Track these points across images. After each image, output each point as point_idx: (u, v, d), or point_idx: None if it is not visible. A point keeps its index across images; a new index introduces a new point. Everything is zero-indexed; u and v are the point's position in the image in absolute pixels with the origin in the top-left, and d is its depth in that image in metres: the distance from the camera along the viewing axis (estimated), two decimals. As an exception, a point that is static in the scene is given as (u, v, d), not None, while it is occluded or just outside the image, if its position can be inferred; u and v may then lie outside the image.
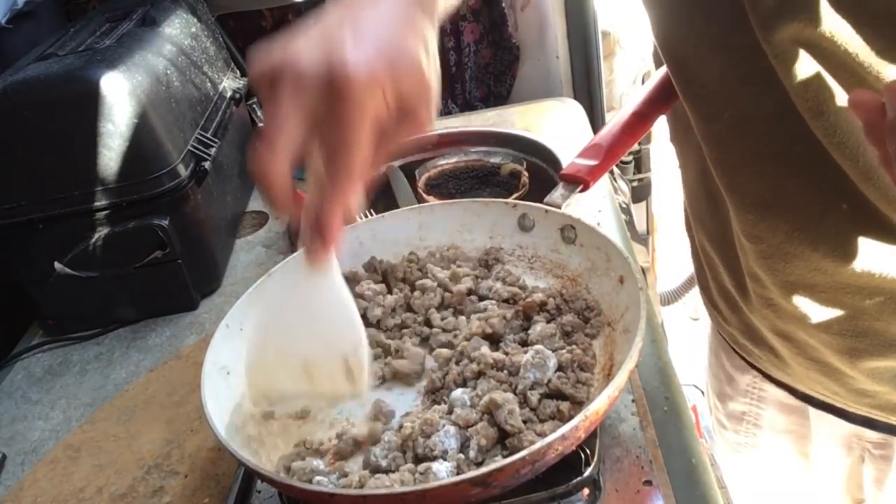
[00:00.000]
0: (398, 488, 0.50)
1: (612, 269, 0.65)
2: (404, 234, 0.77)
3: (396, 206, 0.83)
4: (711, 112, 0.58)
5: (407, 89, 0.44)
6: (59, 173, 0.82)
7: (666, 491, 0.55)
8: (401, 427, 0.56)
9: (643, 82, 1.48)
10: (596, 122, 1.41)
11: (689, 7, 0.55)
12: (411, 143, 0.47)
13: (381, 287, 0.72)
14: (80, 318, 0.92)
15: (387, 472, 0.53)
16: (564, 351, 0.60)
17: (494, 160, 1.08)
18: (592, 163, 0.74)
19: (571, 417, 0.49)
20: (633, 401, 0.63)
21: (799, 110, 0.50)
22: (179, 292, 0.92)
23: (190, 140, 0.91)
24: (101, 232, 0.85)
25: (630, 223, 1.18)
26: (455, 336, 0.66)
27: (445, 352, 0.64)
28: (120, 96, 0.80)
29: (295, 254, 0.71)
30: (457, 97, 1.45)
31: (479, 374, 0.60)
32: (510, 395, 0.56)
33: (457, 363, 0.63)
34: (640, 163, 1.56)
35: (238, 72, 1.21)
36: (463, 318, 0.69)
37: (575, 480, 0.54)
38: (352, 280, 0.72)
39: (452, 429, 0.55)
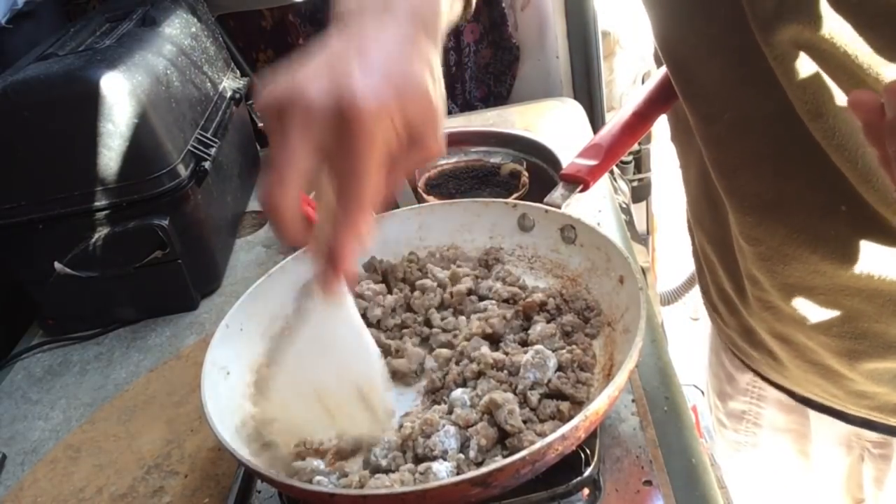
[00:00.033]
0: (398, 488, 0.50)
1: (612, 269, 0.65)
2: (404, 234, 0.77)
3: (396, 206, 0.83)
4: (711, 113, 0.58)
5: (415, 117, 0.43)
6: (59, 173, 0.82)
7: (666, 491, 0.55)
8: (401, 427, 0.56)
9: (643, 82, 1.48)
10: (596, 122, 1.41)
11: (689, 8, 0.55)
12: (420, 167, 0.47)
13: (380, 287, 0.72)
14: (80, 318, 0.92)
15: (387, 472, 0.53)
16: (564, 351, 0.60)
17: (494, 160, 1.08)
18: (592, 163, 0.74)
19: (571, 417, 0.49)
20: (633, 401, 0.63)
21: (798, 112, 0.50)
22: (179, 292, 0.92)
23: (190, 140, 0.91)
24: (101, 232, 0.85)
25: (630, 223, 1.18)
26: (455, 336, 0.66)
27: (445, 352, 0.64)
28: (120, 96, 0.80)
29: (294, 254, 0.71)
30: (457, 97, 1.45)
31: (479, 374, 0.60)
32: (510, 395, 0.56)
33: (457, 363, 0.63)
34: (640, 163, 1.56)
35: (238, 72, 1.21)
36: (463, 318, 0.69)
37: (575, 480, 0.54)
38: (352, 280, 0.72)
39: (452, 429, 0.55)
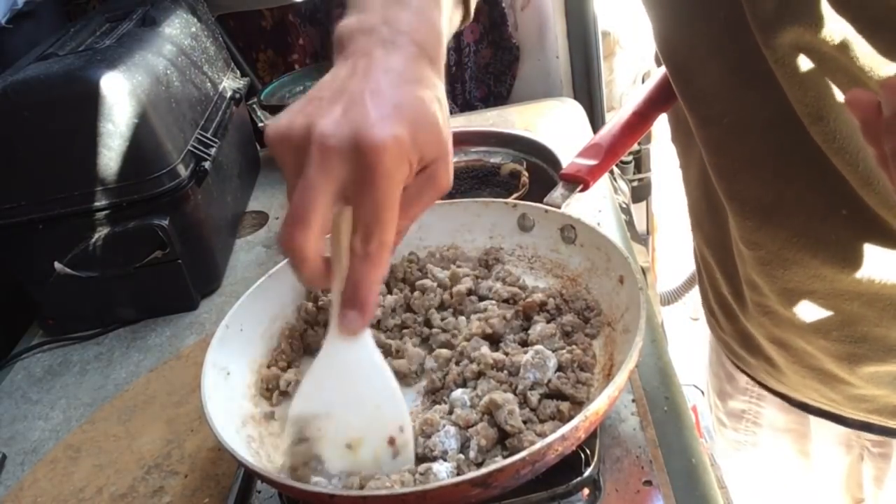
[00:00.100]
0: (398, 489, 0.50)
1: (612, 269, 0.65)
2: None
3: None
4: (710, 116, 0.58)
5: (427, 150, 0.44)
6: (59, 173, 0.82)
7: (666, 491, 0.55)
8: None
9: (643, 82, 1.48)
10: (596, 122, 1.41)
11: (689, 9, 0.55)
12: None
13: (380, 287, 0.72)
14: (80, 318, 0.92)
15: (387, 472, 0.53)
16: (564, 351, 0.60)
17: (494, 160, 1.08)
18: (592, 163, 0.74)
19: (571, 418, 0.49)
20: (633, 401, 0.63)
21: (799, 115, 0.50)
22: (179, 292, 0.92)
23: (190, 140, 0.91)
24: (101, 232, 0.85)
25: (630, 223, 1.18)
26: (455, 336, 0.66)
27: (445, 352, 0.64)
28: (120, 96, 0.80)
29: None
30: (457, 97, 1.45)
31: (479, 375, 0.60)
32: (510, 396, 0.56)
33: (457, 363, 0.63)
34: (640, 163, 1.56)
35: (238, 72, 1.21)
36: (463, 318, 0.69)
37: (575, 480, 0.54)
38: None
39: (452, 429, 0.55)
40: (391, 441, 0.53)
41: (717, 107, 0.57)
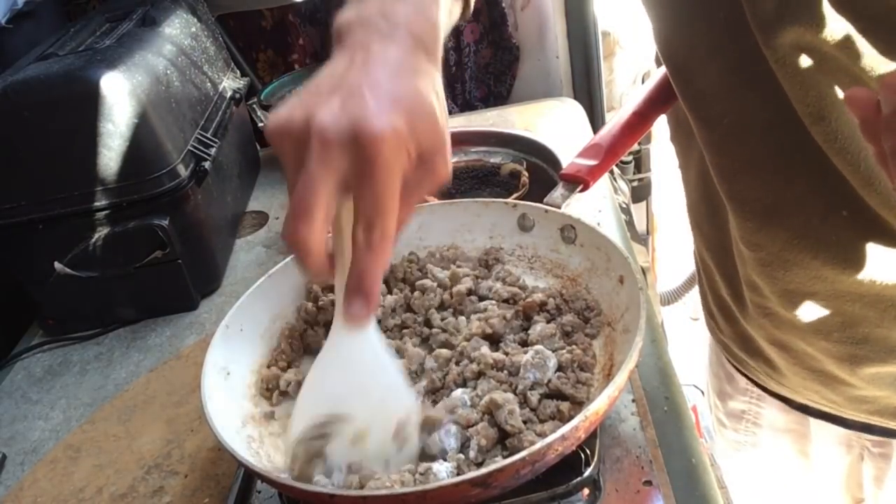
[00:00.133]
0: (398, 489, 0.50)
1: (612, 269, 0.65)
2: (404, 235, 0.76)
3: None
4: (711, 116, 0.58)
5: (425, 141, 0.44)
6: (59, 173, 0.82)
7: (666, 491, 0.55)
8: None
9: (643, 82, 1.48)
10: (596, 122, 1.41)
11: (689, 9, 0.55)
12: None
13: (380, 287, 0.72)
14: (80, 318, 0.92)
15: (393, 464, 0.53)
16: (564, 351, 0.60)
17: (494, 160, 1.08)
18: (592, 163, 0.74)
19: (571, 417, 0.49)
20: (633, 401, 0.63)
21: (799, 115, 0.50)
22: (179, 292, 0.92)
23: (190, 140, 0.91)
24: (101, 232, 0.85)
25: (630, 223, 1.18)
26: (455, 336, 0.66)
27: (445, 352, 0.64)
28: (120, 96, 0.80)
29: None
30: (457, 97, 1.45)
31: (479, 375, 0.60)
32: (510, 396, 0.56)
33: (457, 363, 0.62)
34: (640, 163, 1.56)
35: (238, 72, 1.21)
36: (463, 318, 0.69)
37: (575, 480, 0.54)
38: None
39: (454, 427, 0.55)
40: (397, 433, 0.53)
41: (718, 107, 0.56)
